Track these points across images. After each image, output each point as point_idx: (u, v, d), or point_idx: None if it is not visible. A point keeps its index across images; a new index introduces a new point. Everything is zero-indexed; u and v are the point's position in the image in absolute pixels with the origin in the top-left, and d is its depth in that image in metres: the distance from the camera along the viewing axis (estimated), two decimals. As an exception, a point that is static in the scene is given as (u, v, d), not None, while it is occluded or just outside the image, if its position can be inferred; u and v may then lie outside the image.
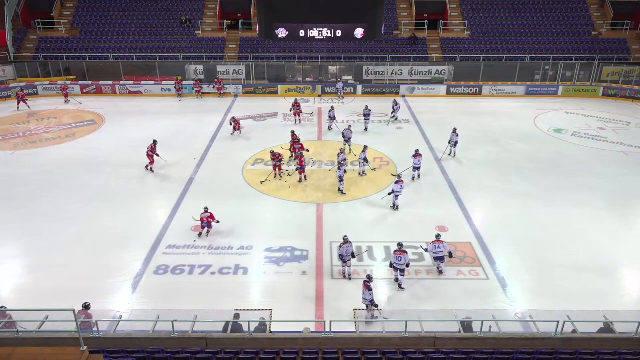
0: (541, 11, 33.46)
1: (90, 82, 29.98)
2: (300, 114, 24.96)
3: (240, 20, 33.30)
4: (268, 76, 30.95)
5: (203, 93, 29.68)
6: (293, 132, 20.67)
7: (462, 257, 13.81)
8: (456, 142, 20.18)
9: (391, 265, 12.61)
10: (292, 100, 27.73)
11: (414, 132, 23.99)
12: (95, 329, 9.46)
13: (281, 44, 32.00)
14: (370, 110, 23.56)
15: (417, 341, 9.32)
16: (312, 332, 9.86)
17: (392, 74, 30.68)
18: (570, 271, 13.19)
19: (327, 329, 9.52)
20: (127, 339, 9.38)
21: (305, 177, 18.51)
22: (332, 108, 24.61)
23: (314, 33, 12.57)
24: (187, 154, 20.88)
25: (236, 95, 30.09)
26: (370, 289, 10.94)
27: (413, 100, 29.15)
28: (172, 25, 33.21)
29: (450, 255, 13.35)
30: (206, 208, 14.84)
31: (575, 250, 14.14)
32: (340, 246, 12.64)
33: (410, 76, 30.84)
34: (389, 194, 16.34)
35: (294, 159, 19.41)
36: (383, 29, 13.79)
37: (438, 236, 13.18)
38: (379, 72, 30.70)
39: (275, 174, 18.46)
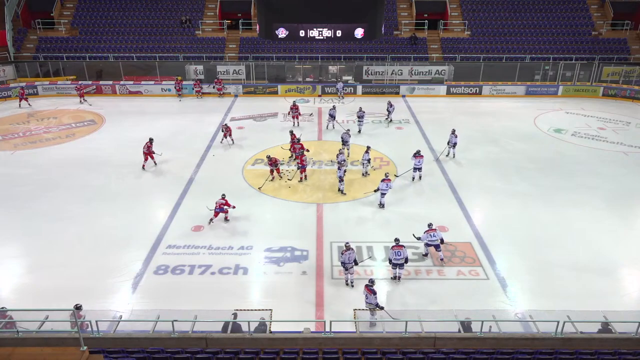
0: (541, 11, 33.47)
1: (90, 82, 29.98)
2: (299, 117, 24.49)
3: (240, 20, 33.31)
4: (268, 76, 30.96)
5: (203, 93, 29.68)
6: (292, 132, 20.70)
7: (462, 257, 13.81)
8: (455, 144, 20.14)
9: (390, 262, 12.65)
10: (292, 100, 27.78)
11: (414, 132, 23.99)
12: (90, 329, 9.44)
13: (281, 44, 32.01)
14: (364, 112, 23.34)
15: (417, 341, 9.32)
16: (312, 332, 9.86)
17: (392, 74, 30.68)
18: (570, 271, 13.18)
19: (327, 329, 9.52)
20: (127, 339, 9.38)
21: (305, 176, 18.51)
22: (334, 107, 24.65)
23: (314, 33, 12.57)
24: (187, 153, 20.88)
25: (236, 95, 30.09)
26: (374, 292, 10.85)
27: (413, 100, 29.16)
28: (172, 25, 33.21)
29: (442, 241, 13.51)
30: (223, 195, 15.52)
31: (575, 250, 14.14)
32: (342, 253, 12.36)
33: (410, 76, 30.84)
34: (375, 191, 16.44)
35: (294, 159, 19.42)
36: (383, 29, 13.80)
37: (430, 225, 13.56)
38: (379, 72, 30.71)
39: (273, 177, 18.23)
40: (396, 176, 18.61)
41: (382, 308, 10.79)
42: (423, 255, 13.80)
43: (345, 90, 29.71)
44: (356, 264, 12.43)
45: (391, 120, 25.13)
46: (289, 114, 24.56)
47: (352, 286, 12.44)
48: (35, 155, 20.92)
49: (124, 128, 24.34)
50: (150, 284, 12.73)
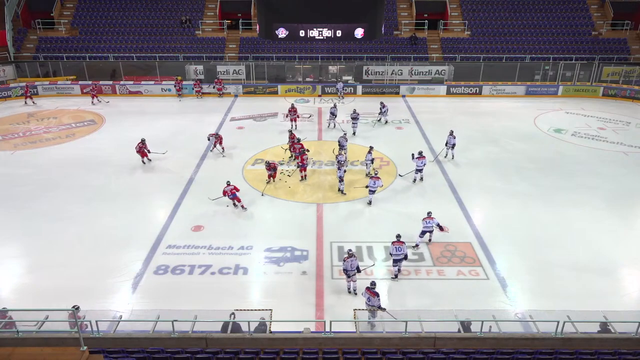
0: (541, 11, 33.47)
1: (90, 82, 29.97)
2: (297, 120, 23.96)
3: (240, 20, 33.31)
4: (268, 76, 30.96)
5: (203, 93, 29.68)
6: (291, 132, 20.72)
7: (462, 257, 13.81)
8: (453, 145, 20.05)
9: (391, 255, 12.81)
10: (292, 100, 27.80)
11: (414, 132, 23.99)
12: (89, 329, 9.43)
13: (281, 44, 32.01)
14: (358, 114, 23.09)
15: (417, 341, 9.32)
16: (312, 332, 9.86)
17: (392, 74, 30.68)
18: (570, 271, 13.18)
19: (327, 329, 9.52)
20: (127, 339, 9.38)
21: (305, 176, 18.51)
22: (335, 105, 24.67)
23: (314, 33, 12.58)
24: (187, 153, 20.87)
25: (236, 95, 30.09)
26: (377, 294, 10.78)
27: (413, 100, 29.16)
28: (172, 25, 33.21)
29: (441, 228, 14.23)
30: (228, 182, 16.13)
31: (575, 250, 14.14)
32: (344, 260, 12.12)
33: (410, 76, 30.84)
34: (366, 187, 16.57)
35: (294, 159, 19.44)
36: (383, 29, 13.80)
37: (429, 213, 14.20)
38: (379, 72, 30.71)
39: (269, 181, 17.94)
40: (400, 175, 18.62)
41: (384, 309, 10.77)
42: (428, 239, 14.48)
43: (345, 90, 29.72)
44: (359, 271, 12.17)
45: (386, 122, 24.85)
46: (286, 116, 24.17)
47: (356, 294, 12.17)
48: (35, 155, 20.92)
49: (124, 128, 24.34)
50: (150, 284, 12.73)
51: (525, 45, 31.94)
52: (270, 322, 10.26)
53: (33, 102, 27.99)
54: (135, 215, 16.04)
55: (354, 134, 22.91)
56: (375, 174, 16.63)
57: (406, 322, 9.42)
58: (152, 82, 30.17)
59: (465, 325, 9.86)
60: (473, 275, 13.08)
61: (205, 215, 15.93)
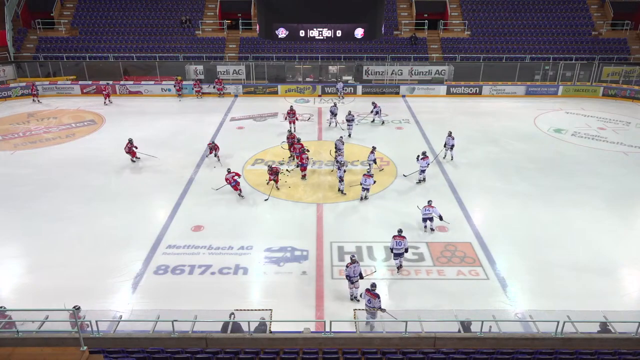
0: (541, 11, 33.47)
1: (90, 82, 30.00)
2: (296, 122, 23.38)
3: (240, 20, 33.31)
4: (268, 76, 30.96)
5: (203, 93, 29.68)
6: (290, 132, 20.72)
7: (462, 257, 13.81)
8: (452, 146, 19.99)
9: (391, 251, 12.98)
10: (290, 103, 27.78)
11: (414, 132, 23.99)
12: (90, 329, 9.43)
13: (281, 44, 32.02)
14: (353, 116, 22.87)
15: (417, 341, 9.32)
16: (312, 332, 9.86)
17: (392, 74, 30.69)
18: (570, 271, 13.19)
19: (327, 329, 9.52)
20: (127, 339, 9.37)
21: (304, 175, 18.52)
22: (335, 104, 24.64)
23: (314, 33, 12.58)
24: (187, 153, 20.87)
25: (236, 95, 30.09)
26: (378, 296, 10.73)
27: (413, 100, 29.16)
28: (172, 25, 33.21)
29: (440, 218, 14.85)
30: (229, 169, 16.92)
31: (575, 250, 14.14)
32: (347, 266, 11.86)
33: (410, 76, 30.84)
34: (360, 184, 16.71)
35: (294, 159, 19.46)
36: (383, 29, 13.81)
37: (430, 202, 14.96)
38: (379, 72, 30.71)
39: (269, 181, 17.74)
40: (404, 175, 18.61)
41: (384, 310, 10.76)
42: (430, 229, 15.07)
43: (345, 90, 29.71)
44: (361, 277, 12.01)
45: (382, 122, 24.70)
46: (285, 118, 23.65)
47: (359, 300, 11.91)
48: (35, 155, 20.92)
49: (124, 128, 24.30)
50: (150, 284, 12.73)
51: (525, 45, 31.95)
52: (270, 322, 10.26)
53: (39, 101, 28.25)
54: (135, 215, 16.04)
55: (349, 135, 22.67)
56: (368, 172, 16.67)
57: (406, 322, 9.42)
58: (152, 82, 30.17)
59: (465, 325, 9.86)
60: (473, 275, 13.08)
61: (205, 215, 15.93)
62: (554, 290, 12.48)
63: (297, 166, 18.61)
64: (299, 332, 9.71)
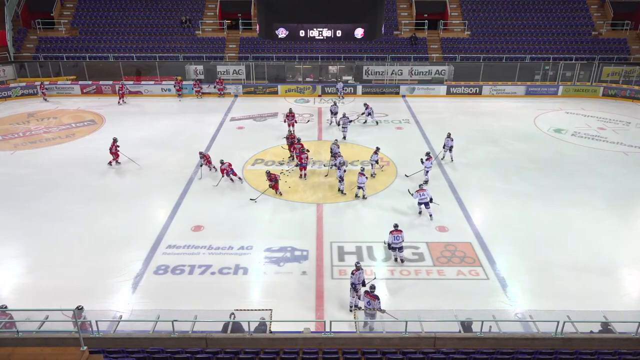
0: (541, 11, 33.48)
1: (90, 82, 30.00)
2: (294, 125, 22.94)
3: (240, 20, 33.32)
4: (268, 76, 30.96)
5: (203, 93, 29.68)
6: (290, 132, 20.71)
7: (462, 257, 13.81)
8: (451, 147, 19.95)
9: (389, 246, 13.30)
10: (290, 104, 27.76)
11: (414, 132, 23.99)
12: (92, 329, 9.43)
13: (281, 44, 32.02)
14: (348, 118, 22.65)
15: (417, 341, 9.31)
16: (312, 332, 9.86)
17: (392, 74, 30.69)
18: (570, 271, 13.18)
19: (327, 329, 9.52)
20: (127, 339, 9.37)
21: (304, 175, 18.53)
22: (335, 103, 24.63)
23: (314, 33, 12.57)
24: (187, 153, 20.86)
25: (236, 95, 30.10)
26: (377, 297, 10.68)
27: (413, 100, 29.16)
28: (172, 25, 33.21)
29: (431, 200, 15.49)
30: (222, 160, 17.76)
31: (575, 250, 14.14)
32: (353, 273, 11.49)
33: (410, 76, 30.84)
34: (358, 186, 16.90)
35: (294, 159, 19.48)
36: (383, 29, 13.80)
37: (421, 185, 15.86)
38: (379, 72, 30.71)
39: (270, 186, 17.19)
40: (406, 176, 18.58)
41: (383, 311, 10.75)
42: (419, 212, 15.89)
43: (345, 90, 29.71)
44: (364, 285, 11.71)
45: (377, 123, 24.50)
46: (284, 121, 23.13)
47: (360, 308, 11.50)
48: (35, 155, 20.92)
49: (124, 128, 24.32)
50: (150, 284, 12.73)
51: (525, 45, 31.95)
52: (270, 322, 10.26)
53: (46, 100, 28.52)
54: (135, 215, 16.04)
55: (344, 138, 22.45)
56: (362, 170, 16.78)
57: (406, 322, 9.41)
58: (152, 82, 30.17)
59: (466, 326, 9.86)
60: (473, 275, 13.07)
61: (205, 215, 15.93)
62: (554, 290, 12.48)
63: (297, 165, 18.62)
64: (299, 332, 9.71)
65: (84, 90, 29.81)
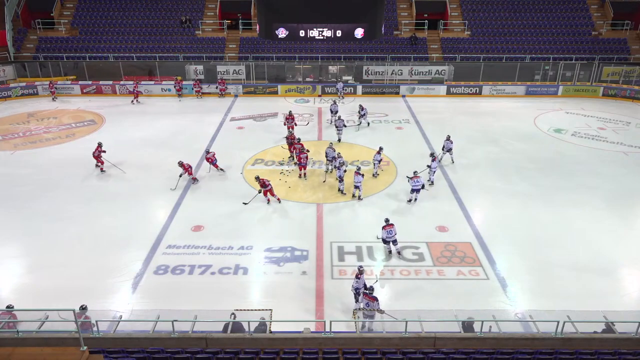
0: (541, 11, 33.47)
1: (90, 82, 29.99)
2: (294, 127, 22.40)
3: (240, 20, 33.32)
4: (268, 76, 30.96)
5: (203, 93, 29.68)
6: (290, 132, 20.71)
7: (462, 257, 13.81)
8: (450, 149, 19.88)
9: (384, 241, 13.61)
10: (290, 105, 27.73)
11: (414, 132, 23.99)
12: (95, 329, 9.45)
13: (281, 44, 32.01)
14: (343, 121, 22.43)
15: (417, 341, 9.32)
16: (312, 332, 9.86)
17: (392, 74, 30.69)
18: (570, 271, 13.18)
19: (327, 329, 9.52)
20: (127, 339, 9.38)
21: (305, 174, 18.55)
22: (335, 102, 24.66)
23: (314, 33, 12.57)
24: (187, 153, 20.81)
25: (236, 95, 30.10)
26: (376, 299, 10.64)
27: (413, 100, 29.16)
28: (172, 25, 33.21)
29: (423, 186, 16.45)
30: (207, 150, 18.66)
31: (575, 250, 14.14)
32: (358, 277, 11.34)
33: (410, 76, 30.84)
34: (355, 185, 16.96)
35: (293, 159, 19.49)
36: (383, 29, 13.80)
37: (415, 172, 16.53)
38: (379, 72, 30.71)
39: (259, 191, 16.67)
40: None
41: (382, 312, 10.75)
42: (408, 201, 16.81)
43: (345, 90, 29.71)
44: (366, 288, 11.51)
45: (368, 124, 24.29)
46: (284, 124, 22.63)
47: (362, 309, 11.42)
48: (35, 155, 20.91)
49: (124, 128, 24.34)
50: (150, 284, 12.73)
51: (525, 45, 31.94)
52: (270, 322, 10.27)
53: (53, 99, 28.63)
54: (135, 215, 16.04)
55: (339, 140, 22.14)
56: (358, 169, 16.79)
57: (406, 322, 9.42)
58: (152, 82, 30.16)
59: (466, 325, 9.86)
60: (473, 275, 13.07)
61: (205, 215, 15.93)
62: (554, 290, 12.48)
63: (296, 164, 18.63)
64: (299, 332, 9.71)
65: (84, 90, 29.80)
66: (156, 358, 8.91)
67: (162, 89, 29.99)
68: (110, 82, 29.96)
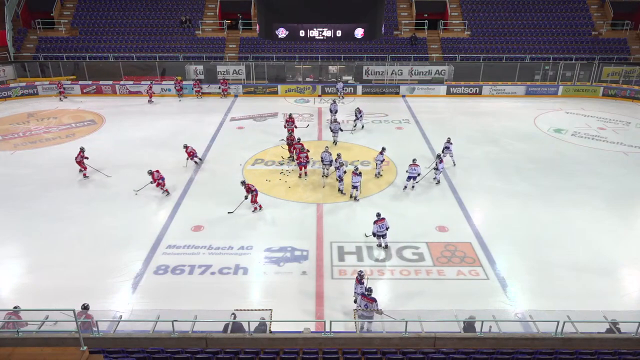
0: (541, 11, 33.47)
1: (90, 82, 29.99)
2: (294, 130, 21.70)
3: (240, 20, 33.31)
4: (268, 76, 30.96)
5: (203, 93, 29.68)
6: (290, 133, 20.70)
7: (462, 257, 13.81)
8: (449, 151, 19.67)
9: (374, 234, 13.83)
10: (292, 100, 27.73)
11: (414, 132, 23.99)
12: (95, 329, 9.46)
13: (281, 44, 32.01)
14: (338, 124, 22.16)
15: (417, 341, 9.32)
16: (312, 332, 9.86)
17: (392, 74, 30.68)
18: (570, 271, 13.19)
19: (327, 329, 9.52)
20: (127, 339, 9.37)
21: (305, 173, 18.61)
22: (334, 101, 24.66)
23: (314, 33, 12.57)
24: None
25: (236, 95, 30.09)
26: (374, 300, 10.61)
27: (413, 100, 29.16)
28: (172, 25, 33.20)
29: (419, 174, 17.28)
30: (185, 145, 19.13)
31: (575, 250, 14.14)
32: (362, 283, 11.18)
33: (410, 76, 30.84)
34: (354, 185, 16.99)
35: (293, 159, 19.48)
36: (383, 29, 13.80)
37: (414, 160, 17.32)
38: (379, 72, 30.70)
39: (246, 197, 16.19)
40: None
41: (381, 312, 10.73)
42: (404, 188, 17.51)
43: (345, 90, 29.71)
44: (365, 289, 11.40)
45: (362, 127, 23.99)
46: (285, 127, 22.01)
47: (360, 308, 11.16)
48: (35, 155, 20.91)
49: (124, 128, 24.34)
50: (150, 284, 12.73)
51: (525, 45, 31.94)
52: (270, 322, 10.26)
53: (61, 99, 28.60)
54: (135, 215, 16.04)
55: (335, 143, 21.83)
56: (356, 169, 16.77)
57: (406, 322, 9.42)
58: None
59: (467, 325, 9.85)
60: (473, 275, 13.07)
61: (205, 215, 15.93)
62: (554, 290, 12.48)
63: (297, 164, 18.63)
64: (299, 332, 9.71)
65: (84, 90, 29.79)
66: (156, 358, 8.91)
67: (162, 89, 29.99)
68: (110, 82, 29.96)
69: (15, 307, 10.32)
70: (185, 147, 19.46)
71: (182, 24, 33.00)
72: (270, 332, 9.96)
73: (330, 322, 9.57)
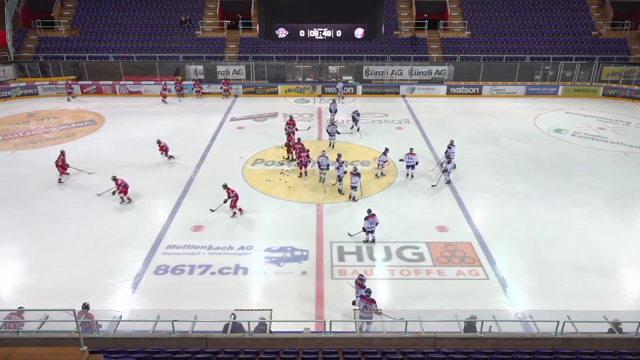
0: (541, 11, 33.47)
1: (90, 82, 30.00)
2: (295, 133, 21.16)
3: (240, 20, 33.31)
4: (268, 76, 30.96)
5: (203, 93, 29.68)
6: (289, 134, 20.68)
7: (462, 257, 13.81)
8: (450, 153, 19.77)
9: (364, 230, 14.12)
10: (292, 100, 27.72)
11: (414, 132, 23.98)
12: (95, 328, 9.45)
13: (281, 44, 32.01)
14: (336, 127, 21.84)
15: (417, 341, 9.32)
16: (312, 332, 9.86)
17: (392, 74, 30.68)
18: (570, 271, 13.19)
19: (327, 329, 9.52)
20: (127, 339, 9.38)
21: (306, 172, 18.62)
22: (334, 101, 24.63)
23: (314, 33, 12.58)
24: (187, 153, 20.86)
25: (236, 95, 30.09)
26: (373, 301, 10.61)
27: (413, 100, 29.15)
28: (172, 25, 33.21)
29: (417, 163, 18.06)
30: (158, 140, 19.71)
31: (575, 250, 14.14)
32: (363, 287, 10.97)
33: (410, 76, 30.84)
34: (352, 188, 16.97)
35: (293, 160, 19.47)
36: (383, 29, 13.81)
37: (411, 149, 17.90)
38: (379, 72, 30.70)
39: (227, 201, 15.77)
40: (432, 186, 18.28)
41: (380, 313, 10.73)
42: (406, 175, 18.32)
43: (345, 90, 29.71)
44: (367, 292, 11.28)
45: (358, 129, 23.63)
46: (285, 130, 21.44)
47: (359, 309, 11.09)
48: (35, 155, 20.91)
49: (124, 128, 24.34)
50: (150, 284, 12.73)
51: (525, 45, 31.94)
52: (270, 322, 10.27)
53: (69, 99, 28.68)
54: (135, 215, 16.04)
55: (331, 146, 21.53)
56: (354, 170, 16.76)
57: (406, 322, 9.42)
58: (152, 82, 30.15)
59: (467, 325, 9.85)
60: (473, 275, 13.07)
61: (205, 215, 15.92)
62: (554, 290, 12.48)
63: (297, 164, 18.63)
64: (299, 332, 9.72)
65: (84, 90, 29.79)
66: (156, 358, 8.91)
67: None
68: (110, 82, 29.95)
69: (19, 308, 10.33)
70: (158, 142, 19.90)
71: (182, 24, 33.00)
72: (270, 332, 9.96)
73: (330, 322, 9.57)
